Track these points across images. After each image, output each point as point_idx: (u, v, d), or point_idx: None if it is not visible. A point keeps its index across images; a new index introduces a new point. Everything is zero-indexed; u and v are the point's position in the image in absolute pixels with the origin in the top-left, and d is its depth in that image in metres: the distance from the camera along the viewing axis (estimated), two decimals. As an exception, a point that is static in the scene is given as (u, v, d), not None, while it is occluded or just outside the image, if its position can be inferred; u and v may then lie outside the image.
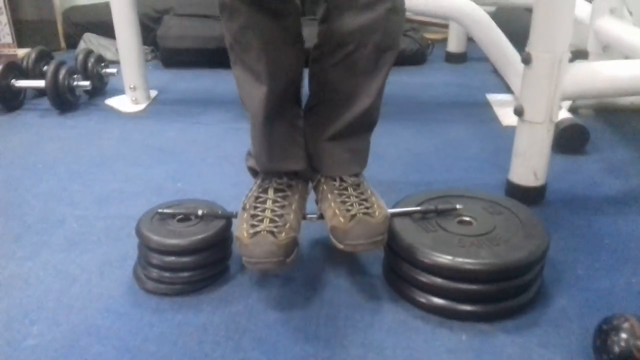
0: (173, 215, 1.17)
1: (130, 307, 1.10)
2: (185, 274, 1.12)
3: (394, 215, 1.13)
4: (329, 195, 1.05)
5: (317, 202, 1.17)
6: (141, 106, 2.27)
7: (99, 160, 1.79)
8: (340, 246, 0.99)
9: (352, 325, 1.05)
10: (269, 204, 1.03)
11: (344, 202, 1.01)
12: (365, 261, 1.24)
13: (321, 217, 1.13)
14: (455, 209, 1.18)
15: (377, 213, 0.99)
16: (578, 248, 1.29)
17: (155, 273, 1.13)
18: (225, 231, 1.15)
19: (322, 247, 1.29)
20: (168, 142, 1.93)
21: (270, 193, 1.05)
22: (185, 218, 1.17)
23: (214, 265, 1.15)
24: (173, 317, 1.07)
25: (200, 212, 1.15)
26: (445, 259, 1.04)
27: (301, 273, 1.19)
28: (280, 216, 1.00)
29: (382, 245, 1.03)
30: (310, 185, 1.15)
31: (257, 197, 1.05)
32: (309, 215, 1.14)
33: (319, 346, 1.00)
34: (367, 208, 1.00)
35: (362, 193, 1.05)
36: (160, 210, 1.16)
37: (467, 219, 1.17)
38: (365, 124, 1.11)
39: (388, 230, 1.05)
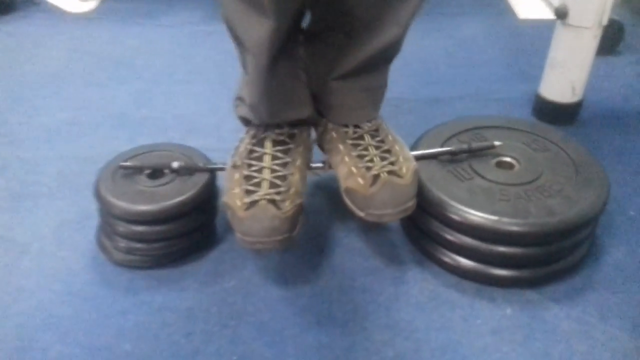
0: (141, 170, 0.92)
1: (97, 287, 0.89)
2: (161, 244, 0.90)
3: (417, 158, 0.90)
4: (341, 147, 0.83)
5: (321, 147, 0.94)
6: (91, 4, 1.90)
7: (44, 80, 1.48)
8: (361, 214, 0.79)
9: (372, 299, 0.86)
10: (267, 161, 0.80)
11: (361, 157, 0.80)
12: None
13: (330, 166, 0.90)
14: (493, 147, 0.95)
15: (404, 170, 0.79)
16: (627, 182, 1.10)
17: (123, 243, 0.90)
18: (209, 188, 0.91)
19: (326, 194, 1.07)
20: (127, 53, 1.61)
21: (268, 146, 0.82)
22: (157, 173, 0.92)
23: (197, 232, 0.93)
24: (151, 300, 0.87)
25: (175, 165, 0.91)
26: (487, 219, 0.83)
27: (303, 231, 0.98)
28: (283, 178, 0.78)
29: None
30: (314, 132, 0.91)
31: (250, 151, 0.83)
32: (313, 165, 0.91)
33: (334, 333, 0.81)
34: (392, 164, 0.79)
35: (382, 142, 0.83)
36: (123, 164, 0.91)
37: (508, 160, 0.95)
38: (388, 58, 0.84)
39: None
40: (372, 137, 0.82)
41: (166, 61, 1.56)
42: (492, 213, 0.84)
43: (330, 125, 0.86)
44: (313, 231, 0.99)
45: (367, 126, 0.84)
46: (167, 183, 0.90)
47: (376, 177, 0.76)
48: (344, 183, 0.81)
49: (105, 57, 1.58)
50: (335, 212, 1.03)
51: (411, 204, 0.78)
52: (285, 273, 0.91)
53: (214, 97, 1.26)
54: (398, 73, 0.90)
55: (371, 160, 0.78)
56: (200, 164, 0.92)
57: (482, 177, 0.91)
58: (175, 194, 0.87)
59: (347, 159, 0.81)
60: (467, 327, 0.82)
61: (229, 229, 0.97)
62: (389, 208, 0.75)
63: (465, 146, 0.94)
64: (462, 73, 1.48)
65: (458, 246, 0.88)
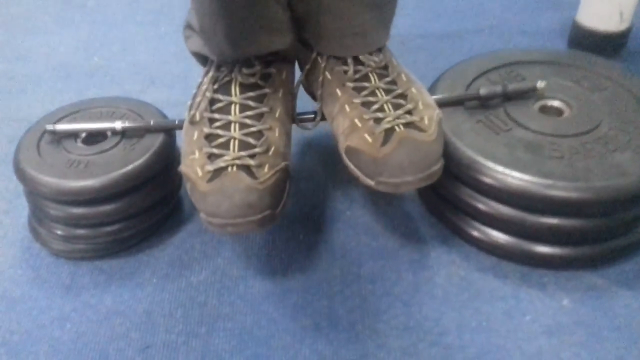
0: (75, 134, 0.70)
1: (29, 287, 0.69)
2: (109, 229, 0.69)
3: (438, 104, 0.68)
4: (338, 92, 0.63)
5: (310, 93, 0.72)
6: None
7: (-23, 27, 1.23)
8: (370, 182, 0.59)
9: (385, 292, 0.66)
10: (234, 112, 0.61)
11: (367, 105, 0.61)
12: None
13: (323, 117, 0.68)
14: (535, 89, 0.73)
15: (426, 121, 0.59)
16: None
17: (60, 230, 0.69)
18: (165, 153, 0.70)
19: (320, 155, 0.86)
20: (77, -9, 1.35)
21: (235, 93, 0.62)
22: (96, 137, 0.70)
23: (153, 210, 0.72)
24: (98, 302, 0.67)
25: (119, 125, 0.68)
26: (535, 183, 0.62)
27: (291, 204, 0.77)
28: (258, 135, 0.60)
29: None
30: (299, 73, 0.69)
31: (212, 101, 0.63)
32: (300, 116, 0.69)
33: (337, 340, 0.62)
34: (409, 113, 0.60)
35: (394, 83, 0.63)
36: (50, 127, 0.69)
37: (555, 103, 0.73)
38: None
39: None
40: (380, 77, 0.63)
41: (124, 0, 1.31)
42: (542, 175, 0.63)
43: (321, 61, 0.65)
44: (305, 204, 0.78)
45: (373, 61, 0.63)
46: (108, 149, 0.68)
47: (389, 131, 0.57)
48: (345, 141, 0.61)
49: (51, -2, 1.33)
50: (333, 177, 0.81)
51: (437, 167, 0.58)
52: (272, 259, 0.70)
53: (180, 40, 1.02)
54: (402, 3, 0.67)
55: (381, 109, 0.59)
56: (152, 122, 0.70)
57: (524, 127, 0.69)
58: (119, 163, 0.66)
59: (347, 108, 0.61)
60: (512, 325, 0.62)
61: (197, 204, 0.76)
62: (409, 174, 0.56)
63: (499, 88, 0.72)
64: (479, 2, 1.23)
65: (495, 218, 0.67)
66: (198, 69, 0.68)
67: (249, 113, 0.60)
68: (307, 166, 0.83)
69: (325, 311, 0.64)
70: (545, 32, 1.11)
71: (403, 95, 0.61)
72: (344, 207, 0.77)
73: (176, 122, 0.69)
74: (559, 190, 0.62)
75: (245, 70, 0.61)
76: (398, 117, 0.58)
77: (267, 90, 0.62)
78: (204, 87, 0.63)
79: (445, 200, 0.72)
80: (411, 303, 0.65)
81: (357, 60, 0.63)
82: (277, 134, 0.60)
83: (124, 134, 0.69)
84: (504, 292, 0.65)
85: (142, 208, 0.69)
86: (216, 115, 0.60)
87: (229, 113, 0.60)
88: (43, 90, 1.02)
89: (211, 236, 0.73)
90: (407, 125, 0.57)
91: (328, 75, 0.64)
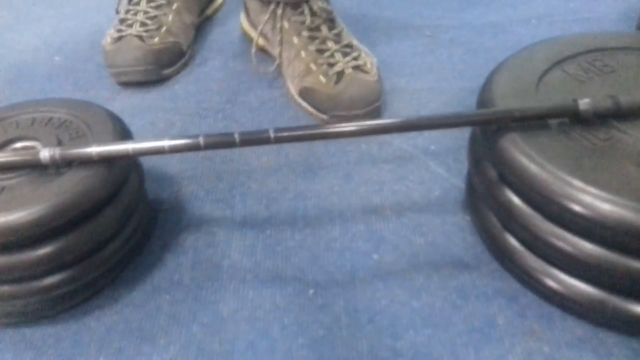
0: (-11, 149, 0.50)
1: None
2: (37, 284, 0.48)
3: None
4: (295, 40, 0.74)
5: (265, 37, 0.78)
6: None
7: None
8: (324, 117, 0.71)
9: (436, 377, 0.45)
10: (142, 4, 0.84)
11: (320, 52, 0.72)
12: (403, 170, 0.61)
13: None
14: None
15: (369, 65, 0.72)
16: None
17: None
18: (117, 177, 0.49)
19: (333, 173, 0.65)
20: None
21: None
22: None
23: (102, 256, 0.51)
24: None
25: (46, 156, 0.48)
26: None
27: (299, 236, 0.57)
28: (154, 18, 0.82)
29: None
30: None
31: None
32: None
33: None
34: (355, 59, 0.72)
35: (339, 35, 0.75)
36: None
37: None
38: None
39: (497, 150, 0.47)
40: (330, 29, 0.74)
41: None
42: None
43: (278, 9, 0.75)
44: (315, 243, 0.57)
45: (325, 11, 0.74)
46: (34, 172, 0.47)
47: (340, 74, 0.70)
48: (300, 83, 0.73)
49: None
50: (350, 206, 0.61)
51: (379, 104, 0.71)
52: (271, 329, 0.49)
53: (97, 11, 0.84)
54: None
55: (332, 56, 0.71)
56: (95, 150, 0.49)
57: (630, 134, 0.48)
58: (51, 190, 0.45)
59: (303, 54, 0.73)
60: None
61: (169, 246, 0.56)
62: (358, 108, 0.68)
63: (609, 103, 0.50)
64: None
65: (587, 263, 0.46)
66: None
67: (152, 4, 0.83)
68: (315, 189, 0.63)
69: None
70: (606, 19, 0.91)
71: (349, 45, 0.73)
72: (370, 248, 0.56)
73: (130, 149, 0.48)
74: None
75: None
76: (347, 62, 0.70)
77: None
78: None
79: (518, 237, 0.51)
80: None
81: (312, 12, 0.73)
82: (170, 19, 0.82)
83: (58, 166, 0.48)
84: (611, 380, 0.44)
85: (84, 253, 0.48)
86: (131, 7, 0.83)
87: (138, 5, 0.83)
88: (-10, 98, 0.83)
89: (186, 290, 0.52)
90: (355, 68, 0.70)
91: (285, 25, 0.74)
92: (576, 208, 0.44)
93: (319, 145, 0.69)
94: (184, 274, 0.54)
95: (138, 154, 0.47)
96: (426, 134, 0.69)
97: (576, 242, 0.46)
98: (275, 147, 0.69)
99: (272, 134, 0.47)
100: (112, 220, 0.49)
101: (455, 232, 0.57)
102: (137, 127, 0.72)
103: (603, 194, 0.43)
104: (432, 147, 0.68)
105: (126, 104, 0.77)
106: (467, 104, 0.72)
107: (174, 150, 0.47)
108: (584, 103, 0.49)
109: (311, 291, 0.52)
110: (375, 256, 0.55)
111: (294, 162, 0.67)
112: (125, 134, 0.51)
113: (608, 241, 0.44)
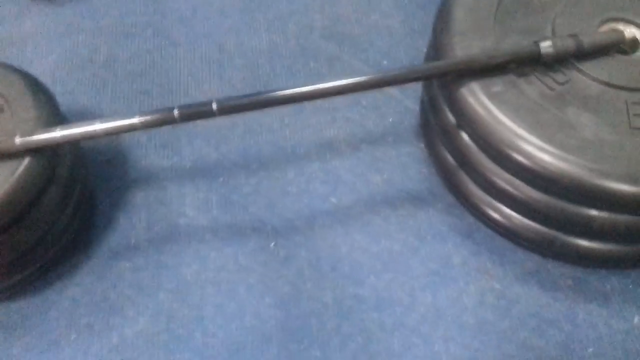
0: None
1: None
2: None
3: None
4: None
5: None
6: None
7: None
8: None
9: (399, 322, 0.48)
10: None
11: None
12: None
13: None
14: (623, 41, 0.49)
15: None
16: None
17: None
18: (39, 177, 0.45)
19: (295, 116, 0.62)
20: None
21: None
22: None
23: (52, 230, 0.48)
24: (-6, 383, 0.47)
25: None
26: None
27: (252, 183, 0.55)
28: None
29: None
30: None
31: None
32: None
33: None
34: None
35: None
36: None
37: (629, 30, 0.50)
38: None
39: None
40: None
41: None
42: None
43: None
44: (272, 188, 0.56)
45: None
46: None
47: None
48: None
49: None
50: (306, 145, 0.59)
51: None
52: (236, 290, 0.50)
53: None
54: None
55: None
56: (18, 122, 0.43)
57: (587, 75, 0.47)
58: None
59: None
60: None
61: (119, 205, 0.54)
62: None
63: (570, 43, 0.46)
64: None
65: (529, 205, 0.48)
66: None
67: None
68: (266, 122, 0.60)
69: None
70: None
71: None
72: (327, 191, 0.55)
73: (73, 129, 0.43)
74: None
75: None
76: None
77: None
78: None
79: (471, 177, 0.51)
80: (434, 339, 0.48)
81: None
82: None
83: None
84: (555, 312, 0.49)
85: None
86: None
87: None
88: None
89: (145, 255, 0.52)
90: None
91: None
92: (521, 159, 0.44)
93: (264, 66, 0.64)
94: (140, 237, 0.53)
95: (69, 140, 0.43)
96: (378, 47, 0.65)
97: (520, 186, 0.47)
98: (216, 71, 0.64)
99: (214, 106, 0.43)
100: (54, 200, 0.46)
101: (410, 164, 0.57)
102: (57, 56, 0.64)
103: (546, 146, 0.43)
104: (385, 62, 0.64)
105: (39, 26, 0.67)
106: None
107: (109, 133, 0.42)
108: (545, 46, 0.46)
109: (272, 244, 0.52)
110: (333, 199, 0.55)
111: (239, 90, 0.63)
112: (51, 109, 0.46)
113: (549, 189, 0.46)
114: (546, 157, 0.44)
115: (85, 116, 0.60)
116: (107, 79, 0.63)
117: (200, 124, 0.59)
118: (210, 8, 0.69)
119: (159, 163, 0.57)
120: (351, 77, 0.45)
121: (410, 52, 0.65)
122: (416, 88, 0.60)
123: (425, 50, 0.55)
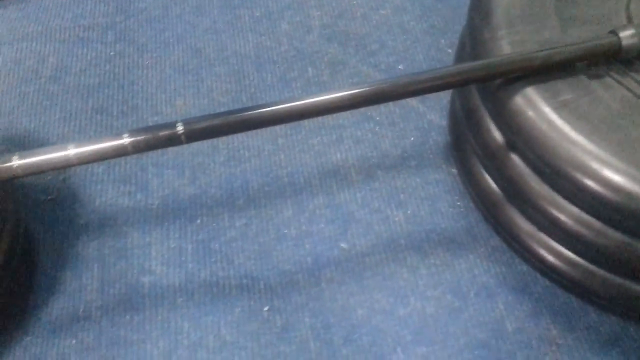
0: None
1: None
2: None
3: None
4: None
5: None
6: None
7: None
8: None
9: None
10: None
11: None
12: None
13: None
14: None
15: None
16: None
17: None
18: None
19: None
20: None
21: None
22: None
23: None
24: None
25: None
26: None
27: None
28: None
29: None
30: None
31: None
32: None
33: None
34: None
35: None
36: None
37: None
38: None
39: None
40: None
41: None
42: None
43: None
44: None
45: None
46: None
47: None
48: None
49: None
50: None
51: None
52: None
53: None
54: None
55: None
56: None
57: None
58: None
59: None
60: None
61: (65, 259, 0.41)
62: None
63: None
64: None
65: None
66: None
67: None
68: (255, 145, 0.47)
69: None
70: None
71: None
72: (335, 233, 0.43)
73: None
74: None
75: None
76: None
77: None
78: None
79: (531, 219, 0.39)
80: None
81: None
82: None
83: None
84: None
85: None
86: None
87: None
88: None
89: (96, 329, 0.39)
90: None
91: None
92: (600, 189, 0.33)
93: (251, 74, 0.52)
94: (91, 303, 0.40)
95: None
96: (390, 48, 0.53)
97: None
98: (192, 81, 0.52)
99: (180, 129, 0.30)
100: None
101: (440, 195, 0.45)
102: (-4, 68, 0.51)
103: (634, 172, 0.32)
104: (400, 67, 0.52)
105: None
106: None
107: (34, 171, 0.30)
108: (627, 36, 0.34)
109: (266, 308, 0.40)
110: (343, 244, 0.42)
111: (221, 104, 0.50)
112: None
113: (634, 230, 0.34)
114: (635, 188, 0.32)
115: (27, 142, 0.48)
116: (55, 95, 0.51)
117: (172, 149, 0.47)
118: (184, 5, 0.57)
119: (118, 202, 0.45)
120: (360, 86, 0.33)
121: (431, 53, 0.53)
122: (441, 97, 0.48)
123: (451, 50, 0.43)
